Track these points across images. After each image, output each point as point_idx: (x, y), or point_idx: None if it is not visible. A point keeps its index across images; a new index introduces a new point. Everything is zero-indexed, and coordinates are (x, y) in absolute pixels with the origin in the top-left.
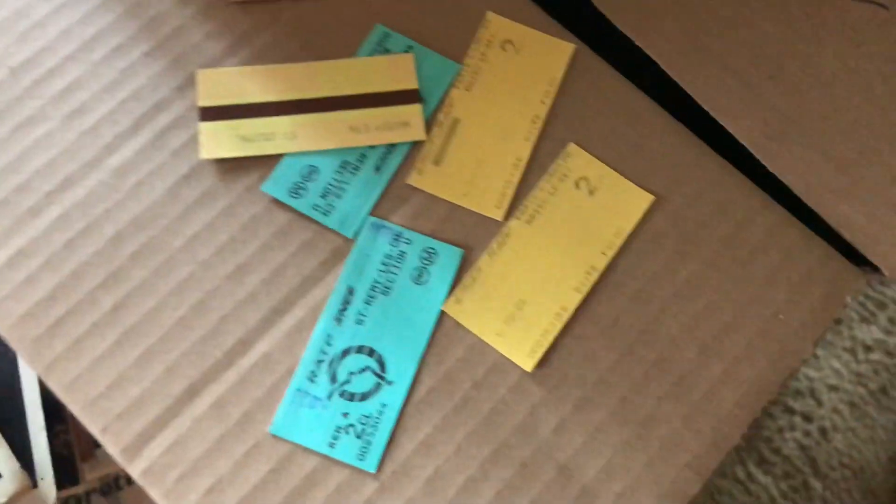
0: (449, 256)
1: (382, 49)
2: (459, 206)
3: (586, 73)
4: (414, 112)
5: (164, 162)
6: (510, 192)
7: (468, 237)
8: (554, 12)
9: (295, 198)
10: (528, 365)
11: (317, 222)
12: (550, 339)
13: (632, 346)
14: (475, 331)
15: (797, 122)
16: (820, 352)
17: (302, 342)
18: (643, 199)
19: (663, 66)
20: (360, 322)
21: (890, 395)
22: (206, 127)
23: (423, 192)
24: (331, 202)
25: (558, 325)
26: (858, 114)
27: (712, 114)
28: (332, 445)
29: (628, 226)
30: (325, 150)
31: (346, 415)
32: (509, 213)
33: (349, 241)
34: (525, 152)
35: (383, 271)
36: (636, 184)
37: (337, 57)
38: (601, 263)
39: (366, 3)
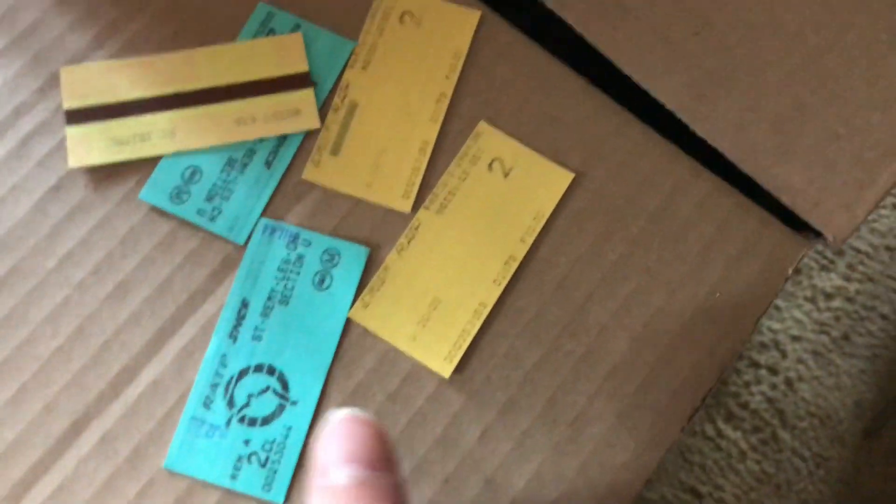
0: (353, 257)
1: (267, 30)
2: (363, 200)
3: (494, 42)
4: (305, 98)
5: (28, 174)
6: (417, 181)
7: (374, 234)
8: None
9: (177, 203)
10: (445, 371)
11: (203, 229)
12: (469, 339)
13: (557, 340)
14: (386, 337)
15: (725, 80)
16: (781, 303)
17: (194, 365)
18: (563, 178)
19: (577, 29)
20: (257, 338)
21: (852, 341)
22: (73, 131)
23: (320, 186)
24: (217, 205)
25: (477, 324)
26: (791, 67)
27: (633, 77)
28: (234, 477)
29: (548, 208)
30: (209, 148)
31: (247, 442)
32: (418, 204)
33: (240, 248)
34: (432, 135)
35: (280, 279)
36: (554, 161)
37: (217, 42)
38: (520, 252)
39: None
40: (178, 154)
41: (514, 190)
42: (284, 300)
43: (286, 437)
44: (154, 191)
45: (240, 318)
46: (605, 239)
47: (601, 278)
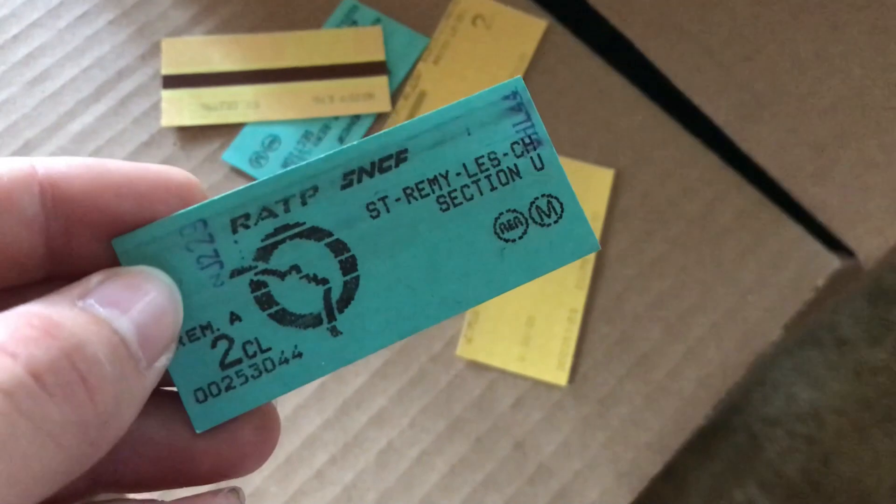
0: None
1: (350, 21)
2: None
3: (557, 51)
4: (379, 84)
5: (124, 129)
6: None
7: None
8: None
9: (255, 167)
10: (561, 379)
11: None
12: (572, 345)
13: (594, 324)
14: (497, 364)
15: (772, 103)
16: (824, 374)
17: None
18: (605, 177)
19: (637, 46)
20: (373, 211)
21: None
22: (168, 95)
23: None
24: None
25: (574, 329)
26: (835, 97)
27: (686, 93)
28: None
29: (601, 208)
30: (288, 120)
31: (234, 318)
32: None
33: None
34: None
35: (470, 174)
36: (605, 162)
37: (304, 28)
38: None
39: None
40: (260, 123)
41: None
42: (451, 201)
43: (285, 359)
44: (236, 153)
45: (376, 166)
46: (647, 237)
47: (640, 272)
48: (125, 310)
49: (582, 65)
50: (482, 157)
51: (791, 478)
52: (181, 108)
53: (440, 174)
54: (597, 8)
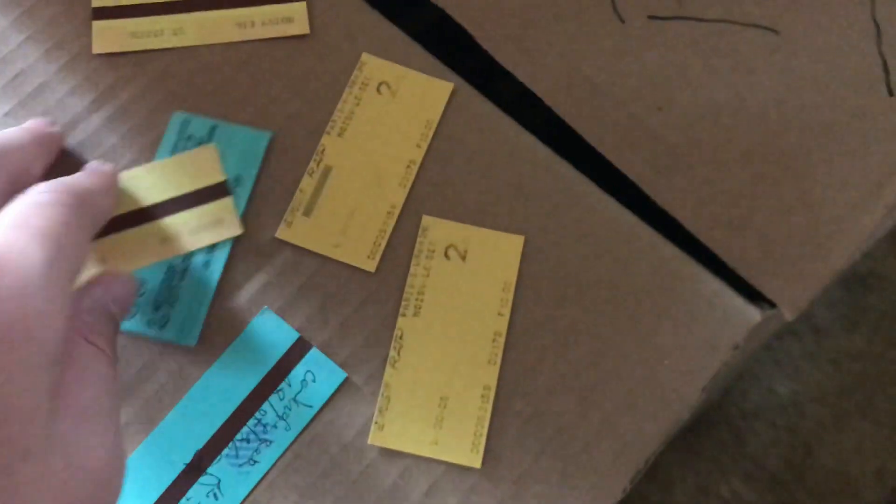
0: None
1: (185, 136)
2: (330, 259)
3: (466, 113)
4: (225, 207)
5: None
6: (383, 242)
7: (339, 290)
8: (435, 50)
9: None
10: (475, 462)
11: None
12: (486, 425)
13: (508, 400)
14: (410, 450)
15: (687, 154)
16: (802, 364)
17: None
18: (516, 244)
19: (547, 101)
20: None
21: (876, 406)
22: None
23: (291, 245)
24: (166, 313)
25: (488, 408)
26: (750, 142)
27: (598, 148)
28: None
29: (512, 277)
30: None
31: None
32: (382, 265)
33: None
34: (400, 199)
35: None
36: (515, 228)
37: (139, 160)
38: (503, 325)
39: (164, 86)
40: None
41: (476, 269)
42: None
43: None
44: None
45: None
46: (559, 304)
47: (552, 342)
48: None
49: (491, 126)
50: None
51: (774, 469)
52: None
53: None
54: (504, 64)
